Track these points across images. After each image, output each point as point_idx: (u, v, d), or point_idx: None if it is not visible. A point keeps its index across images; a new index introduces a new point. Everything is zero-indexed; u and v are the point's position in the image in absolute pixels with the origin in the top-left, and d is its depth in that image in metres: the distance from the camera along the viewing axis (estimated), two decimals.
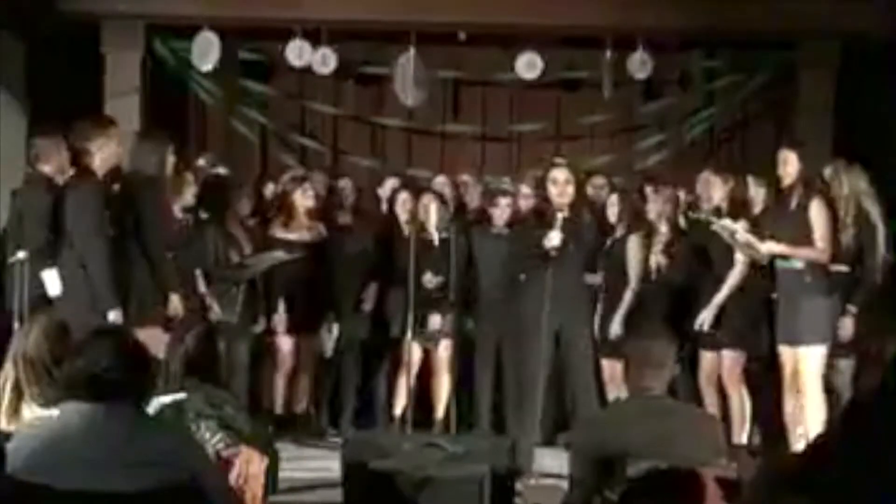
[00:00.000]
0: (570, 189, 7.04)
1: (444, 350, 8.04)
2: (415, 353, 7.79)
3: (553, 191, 7.01)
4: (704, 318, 7.33)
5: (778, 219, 6.95)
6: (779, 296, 6.91)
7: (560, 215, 6.90)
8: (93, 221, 6.39)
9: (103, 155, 6.53)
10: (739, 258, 7.31)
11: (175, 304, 6.62)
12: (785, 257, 6.84)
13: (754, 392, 7.44)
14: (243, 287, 7.80)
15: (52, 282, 6.46)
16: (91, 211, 6.40)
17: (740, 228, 7.14)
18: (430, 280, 7.76)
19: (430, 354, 8.06)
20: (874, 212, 7.01)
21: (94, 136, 6.53)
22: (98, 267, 6.32)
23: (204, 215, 7.86)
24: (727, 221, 7.20)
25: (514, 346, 7.98)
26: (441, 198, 8.12)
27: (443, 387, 8.05)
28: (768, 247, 6.86)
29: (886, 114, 9.19)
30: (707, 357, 7.51)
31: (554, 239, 6.83)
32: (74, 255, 6.42)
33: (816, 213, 6.70)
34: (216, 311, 7.58)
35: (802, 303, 6.69)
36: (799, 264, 6.74)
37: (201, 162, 8.51)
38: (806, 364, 6.67)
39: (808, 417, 6.61)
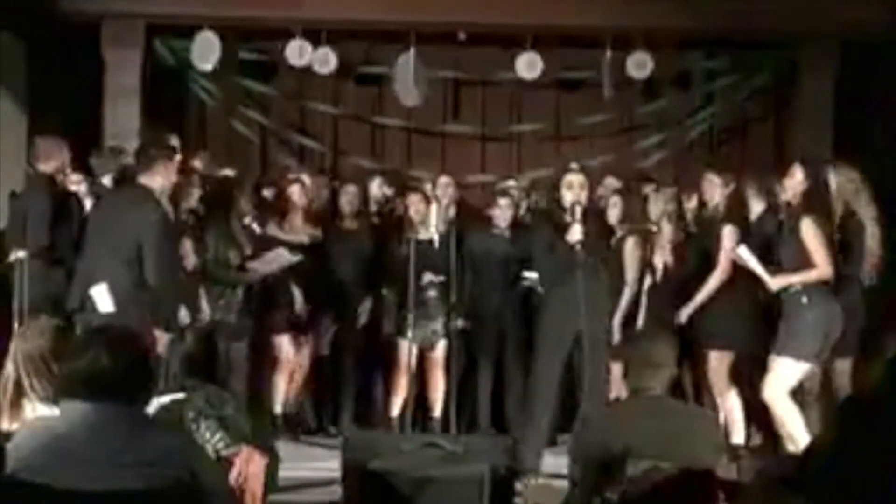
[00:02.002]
0: (585, 194, 6.96)
1: (440, 350, 8.06)
2: (412, 353, 7.79)
3: (568, 196, 6.91)
4: (684, 313, 7.38)
5: (779, 246, 6.99)
6: (782, 315, 6.93)
7: (579, 209, 6.84)
8: (168, 236, 6.56)
9: (163, 181, 6.68)
10: (721, 260, 7.29)
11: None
12: None
13: (754, 393, 7.44)
14: (241, 289, 7.79)
15: (103, 298, 6.38)
16: (166, 229, 6.57)
17: (754, 263, 7.14)
18: (429, 280, 7.76)
19: (427, 355, 8.06)
20: (863, 211, 6.98)
21: (160, 162, 6.70)
22: (168, 280, 6.44)
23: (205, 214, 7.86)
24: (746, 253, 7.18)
25: (518, 349, 7.98)
26: (441, 198, 8.12)
27: (439, 387, 8.06)
28: (778, 282, 6.90)
29: (886, 113, 9.19)
30: (708, 357, 7.52)
31: (576, 233, 6.76)
32: (127, 267, 6.43)
33: (807, 234, 6.73)
34: (205, 312, 7.52)
35: (795, 320, 6.76)
36: (797, 286, 6.77)
37: (197, 163, 8.47)
38: (773, 371, 6.72)
39: (783, 424, 6.65)
